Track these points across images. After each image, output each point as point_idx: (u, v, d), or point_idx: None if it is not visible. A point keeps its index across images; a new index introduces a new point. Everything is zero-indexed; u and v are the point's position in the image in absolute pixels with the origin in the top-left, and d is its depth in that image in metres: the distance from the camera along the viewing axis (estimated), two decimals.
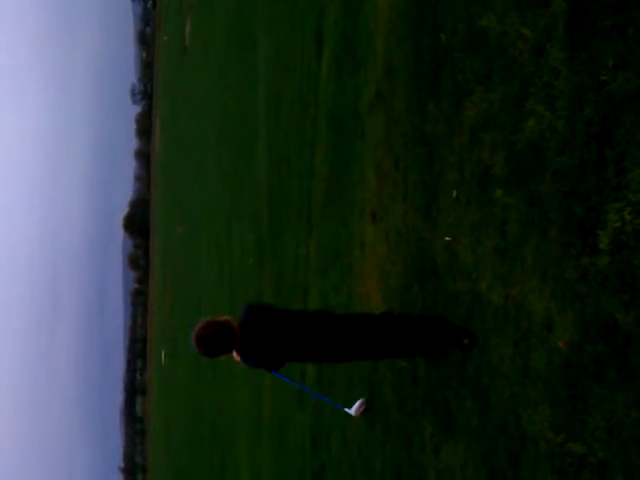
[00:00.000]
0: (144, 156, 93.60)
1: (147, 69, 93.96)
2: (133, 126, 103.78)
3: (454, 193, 4.22)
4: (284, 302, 9.43)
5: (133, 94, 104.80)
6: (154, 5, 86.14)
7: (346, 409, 5.29)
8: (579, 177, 2.97)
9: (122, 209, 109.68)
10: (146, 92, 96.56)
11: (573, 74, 3.03)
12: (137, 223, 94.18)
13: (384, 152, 5.63)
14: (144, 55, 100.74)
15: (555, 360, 3.11)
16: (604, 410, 2.78)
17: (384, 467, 5.19)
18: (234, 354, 3.84)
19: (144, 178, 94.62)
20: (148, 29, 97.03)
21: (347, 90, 6.99)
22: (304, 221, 8.53)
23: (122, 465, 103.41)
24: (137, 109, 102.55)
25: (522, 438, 3.34)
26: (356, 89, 6.63)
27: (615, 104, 2.77)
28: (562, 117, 3.10)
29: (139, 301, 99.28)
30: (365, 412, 5.32)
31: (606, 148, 2.82)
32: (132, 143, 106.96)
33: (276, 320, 3.89)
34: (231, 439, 13.80)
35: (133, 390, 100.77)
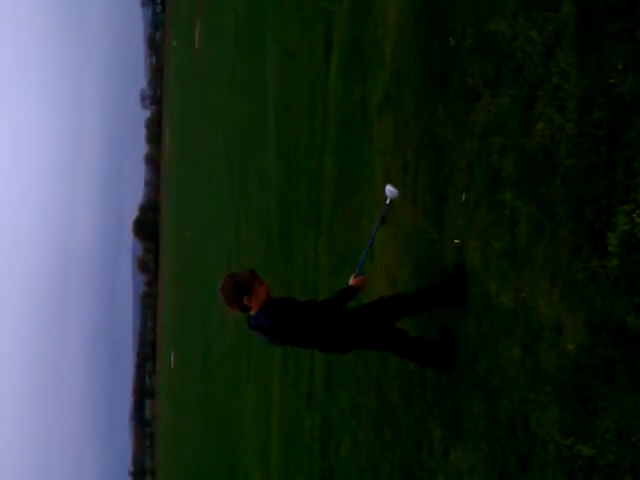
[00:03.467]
0: (154, 161, 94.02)
1: (157, 74, 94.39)
2: (143, 131, 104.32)
3: (463, 196, 4.23)
4: None
5: (143, 99, 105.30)
6: (164, 10, 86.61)
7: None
8: (588, 180, 2.98)
9: (132, 213, 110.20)
10: (155, 97, 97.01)
11: (582, 77, 3.04)
12: (147, 227, 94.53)
13: (393, 156, 5.65)
14: (154, 60, 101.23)
15: (565, 363, 3.11)
16: (614, 413, 2.78)
17: (393, 470, 5.19)
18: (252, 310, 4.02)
19: (153, 183, 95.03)
20: (158, 34, 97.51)
21: (356, 94, 7.02)
22: (313, 224, 8.55)
23: (131, 468, 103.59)
24: (147, 114, 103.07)
25: (531, 441, 3.34)
26: (365, 93, 6.65)
27: (624, 107, 2.78)
28: (571, 120, 3.11)
29: (148, 304, 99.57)
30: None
31: (615, 151, 2.82)
32: (142, 148, 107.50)
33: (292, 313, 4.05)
34: (240, 442, 13.82)
35: (142, 393, 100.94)
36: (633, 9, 2.77)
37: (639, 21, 2.74)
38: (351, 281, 4.27)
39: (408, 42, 5.44)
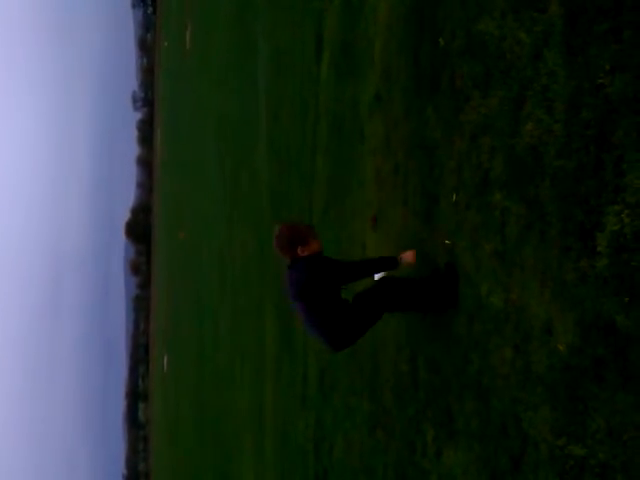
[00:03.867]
0: (145, 162, 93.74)
1: (148, 75, 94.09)
2: (134, 133, 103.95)
3: (453, 197, 4.23)
4: (286, 307, 9.44)
5: (134, 101, 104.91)
6: (154, 11, 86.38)
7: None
8: (577, 180, 2.99)
9: (124, 215, 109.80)
10: (147, 99, 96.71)
11: (570, 78, 3.05)
12: (139, 229, 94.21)
13: (384, 156, 5.65)
14: (145, 61, 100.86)
15: (555, 363, 3.11)
16: (605, 412, 2.78)
17: (386, 471, 5.19)
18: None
19: (145, 184, 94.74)
20: (149, 35, 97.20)
21: (347, 94, 7.02)
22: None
23: (125, 472, 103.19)
24: (138, 116, 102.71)
25: (523, 441, 3.35)
26: (356, 92, 6.65)
27: (612, 107, 2.79)
28: (560, 121, 3.11)
29: (141, 307, 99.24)
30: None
31: (604, 151, 2.83)
32: (133, 150, 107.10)
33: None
34: (235, 444, 13.80)
35: (135, 396, 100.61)
36: (620, 10, 2.78)
37: (626, 22, 2.74)
38: (403, 252, 4.46)
39: (398, 42, 5.45)
